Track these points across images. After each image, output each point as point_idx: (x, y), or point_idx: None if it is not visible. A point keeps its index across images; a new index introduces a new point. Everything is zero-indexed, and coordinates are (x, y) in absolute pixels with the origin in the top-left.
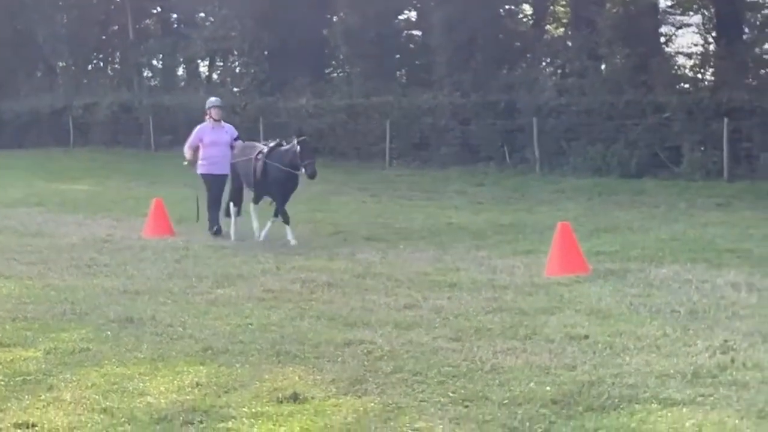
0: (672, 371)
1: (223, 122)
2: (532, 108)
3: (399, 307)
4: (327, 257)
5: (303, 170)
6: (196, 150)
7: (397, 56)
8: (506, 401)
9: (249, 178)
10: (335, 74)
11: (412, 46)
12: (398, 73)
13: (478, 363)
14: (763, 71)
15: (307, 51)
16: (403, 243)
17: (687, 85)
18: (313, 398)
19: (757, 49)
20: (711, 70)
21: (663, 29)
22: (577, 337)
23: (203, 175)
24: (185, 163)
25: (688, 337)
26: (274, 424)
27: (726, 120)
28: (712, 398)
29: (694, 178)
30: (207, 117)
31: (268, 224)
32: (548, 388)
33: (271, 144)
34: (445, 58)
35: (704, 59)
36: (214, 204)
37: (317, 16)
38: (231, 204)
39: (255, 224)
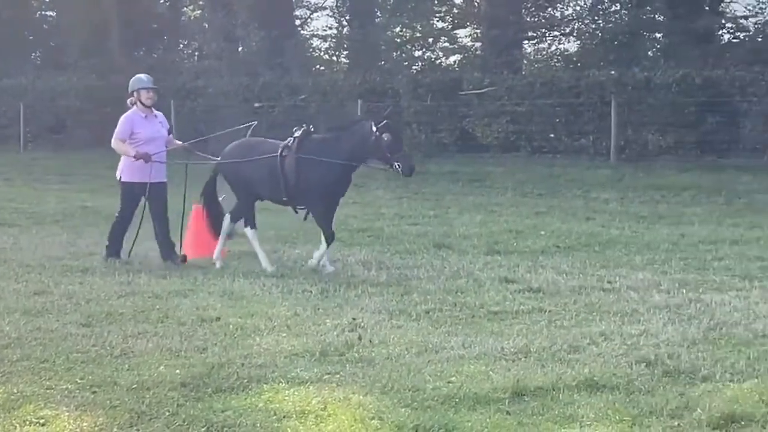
0: (301, 350)
1: (154, 110)
2: (170, 90)
3: (29, 294)
4: None
5: (395, 166)
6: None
7: (31, 37)
8: (135, 386)
9: (274, 185)
10: None
11: (46, 27)
12: (33, 54)
13: (108, 348)
14: (394, 54)
15: None
16: (36, 228)
17: (322, 67)
18: None
19: (388, 32)
20: (345, 52)
21: (298, 12)
22: (209, 319)
23: (130, 185)
24: (133, 159)
25: (318, 316)
26: None
27: (360, 101)
28: (338, 375)
29: None
30: (132, 102)
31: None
32: (178, 371)
33: (297, 133)
34: (80, 39)
35: (338, 42)
36: (160, 223)
37: None
38: (229, 219)
39: (260, 252)
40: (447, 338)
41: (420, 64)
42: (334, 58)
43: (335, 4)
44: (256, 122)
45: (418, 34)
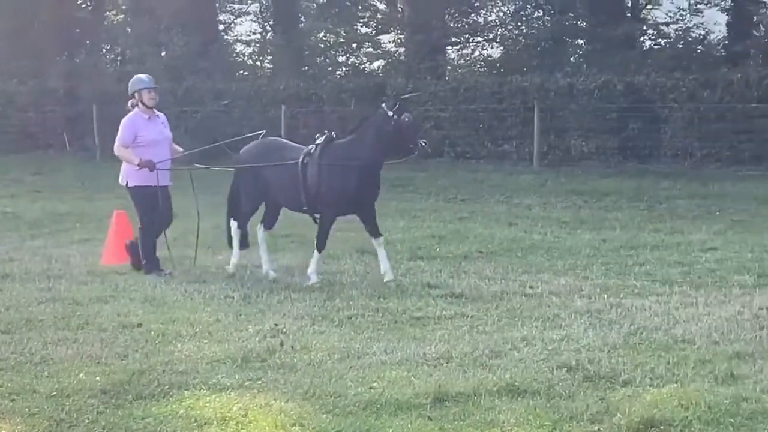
0: (222, 356)
1: (156, 111)
2: (92, 95)
3: None
4: None
5: (420, 144)
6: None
7: None
8: (54, 393)
9: (293, 192)
10: None
11: None
12: None
13: (28, 355)
14: (318, 59)
15: None
16: None
17: (246, 73)
18: None
19: (312, 38)
20: (269, 58)
21: (222, 17)
22: (130, 326)
23: (140, 188)
24: (137, 167)
25: (240, 322)
26: None
27: (284, 107)
28: (260, 382)
29: None
30: (133, 104)
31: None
32: (98, 378)
33: (319, 140)
34: (1, 44)
35: (262, 47)
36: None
37: None
38: (234, 224)
39: (264, 257)
40: (369, 344)
41: (344, 69)
42: (258, 63)
43: (259, 10)
44: (265, 131)
45: (341, 40)
